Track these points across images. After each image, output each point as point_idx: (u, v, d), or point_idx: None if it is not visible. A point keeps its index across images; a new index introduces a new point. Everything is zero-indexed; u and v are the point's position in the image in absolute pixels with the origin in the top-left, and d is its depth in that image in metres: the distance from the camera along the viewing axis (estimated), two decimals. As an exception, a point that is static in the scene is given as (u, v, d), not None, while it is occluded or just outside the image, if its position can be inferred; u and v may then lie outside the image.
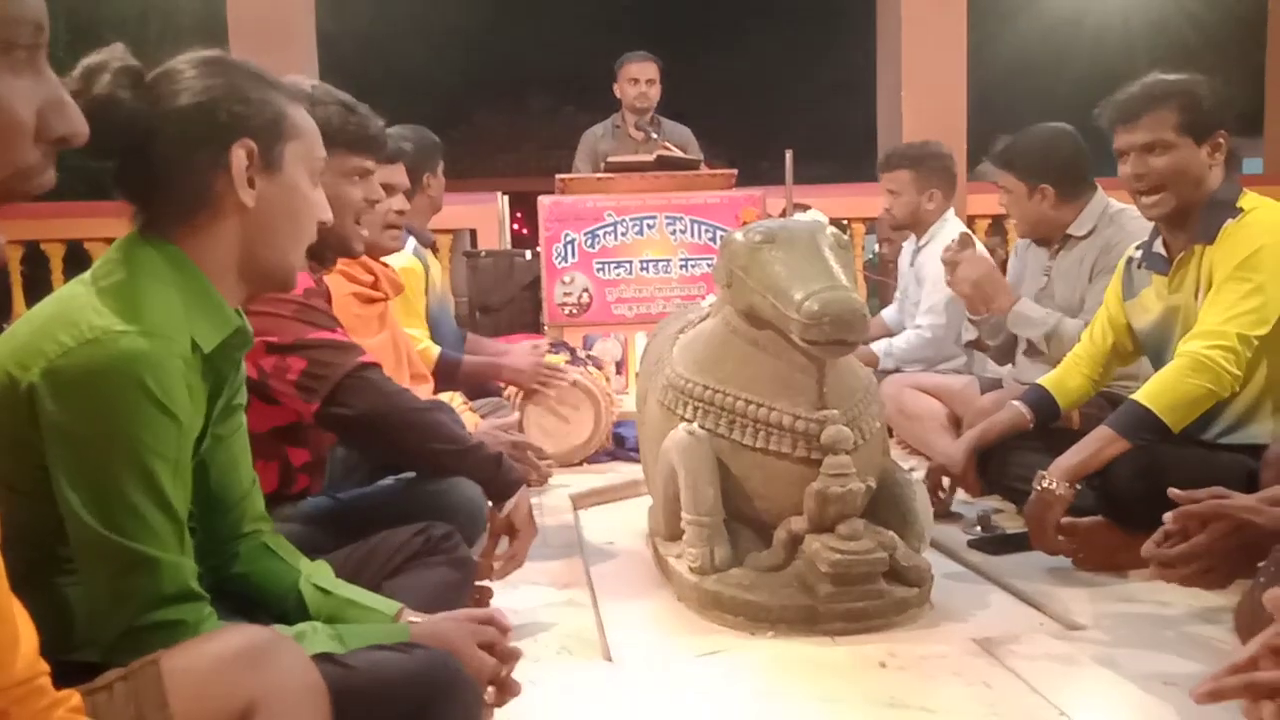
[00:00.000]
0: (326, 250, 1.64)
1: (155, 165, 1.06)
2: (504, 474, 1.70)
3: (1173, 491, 1.45)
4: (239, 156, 1.07)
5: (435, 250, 3.40)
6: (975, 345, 2.88)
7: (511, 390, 3.06)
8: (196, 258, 1.08)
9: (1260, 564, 1.53)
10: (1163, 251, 2.13)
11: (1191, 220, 2.05)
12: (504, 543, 1.74)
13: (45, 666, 0.77)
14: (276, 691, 0.88)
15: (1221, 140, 2.02)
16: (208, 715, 0.86)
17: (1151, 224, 2.18)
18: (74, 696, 0.80)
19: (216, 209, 1.08)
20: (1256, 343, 1.94)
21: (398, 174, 2.26)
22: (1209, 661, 1.57)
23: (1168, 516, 1.42)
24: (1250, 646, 0.95)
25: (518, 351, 3.03)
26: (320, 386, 1.53)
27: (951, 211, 3.40)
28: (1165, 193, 2.03)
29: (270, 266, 1.13)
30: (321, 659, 0.97)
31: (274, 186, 1.10)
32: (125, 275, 1.03)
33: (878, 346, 3.41)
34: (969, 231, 3.03)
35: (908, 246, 3.53)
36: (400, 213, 2.19)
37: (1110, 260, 2.48)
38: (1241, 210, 2.00)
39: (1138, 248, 2.24)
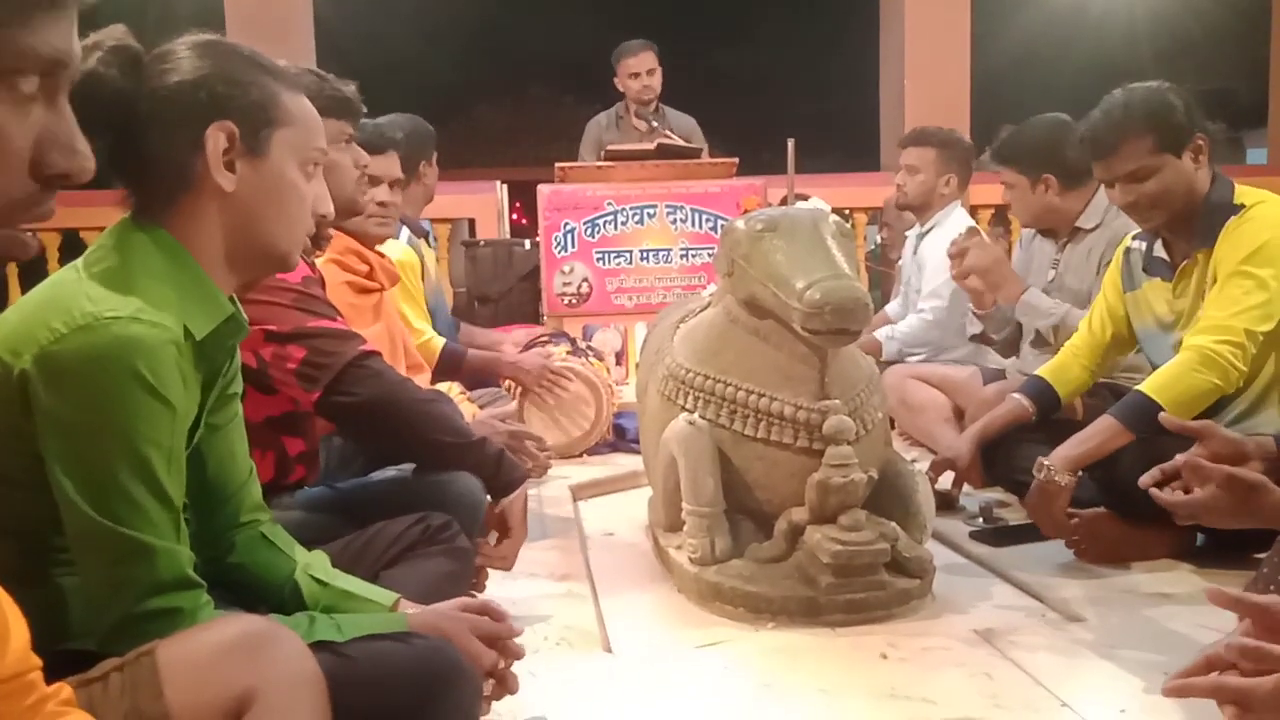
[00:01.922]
0: (324, 229, 1.63)
1: (141, 146, 1.05)
2: (505, 471, 1.68)
3: (1164, 417, 1.44)
4: (215, 138, 1.05)
5: (429, 240, 3.38)
6: (980, 339, 2.87)
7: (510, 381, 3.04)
8: (186, 242, 1.06)
9: (1261, 556, 1.52)
10: (1164, 255, 2.12)
11: (1186, 223, 2.04)
12: (493, 537, 1.73)
13: (37, 661, 0.76)
14: (274, 681, 0.87)
15: (1201, 143, 2.00)
16: (204, 705, 0.85)
17: None
18: (64, 689, 0.79)
19: (198, 191, 1.07)
20: (1262, 338, 1.93)
21: (389, 164, 2.25)
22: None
23: (1180, 459, 1.40)
24: (1226, 641, 0.95)
25: (526, 354, 3.02)
26: (322, 375, 1.51)
27: (959, 203, 3.39)
28: (1159, 209, 2.03)
29: (258, 251, 1.12)
30: (319, 648, 0.96)
31: (257, 171, 1.08)
32: (117, 261, 1.02)
33: (880, 333, 3.39)
34: (975, 225, 3.02)
35: (911, 236, 3.52)
36: (383, 204, 2.18)
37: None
38: (1242, 206, 1.98)
39: (1135, 238, 2.23)
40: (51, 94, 0.68)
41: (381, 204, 2.18)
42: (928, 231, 3.36)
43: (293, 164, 1.12)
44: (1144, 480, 1.45)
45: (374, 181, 2.16)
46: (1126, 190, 2.03)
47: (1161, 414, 1.47)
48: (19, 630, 0.75)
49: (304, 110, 1.14)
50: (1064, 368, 2.29)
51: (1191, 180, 2.01)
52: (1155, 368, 2.08)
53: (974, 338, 2.92)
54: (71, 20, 0.69)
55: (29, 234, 0.70)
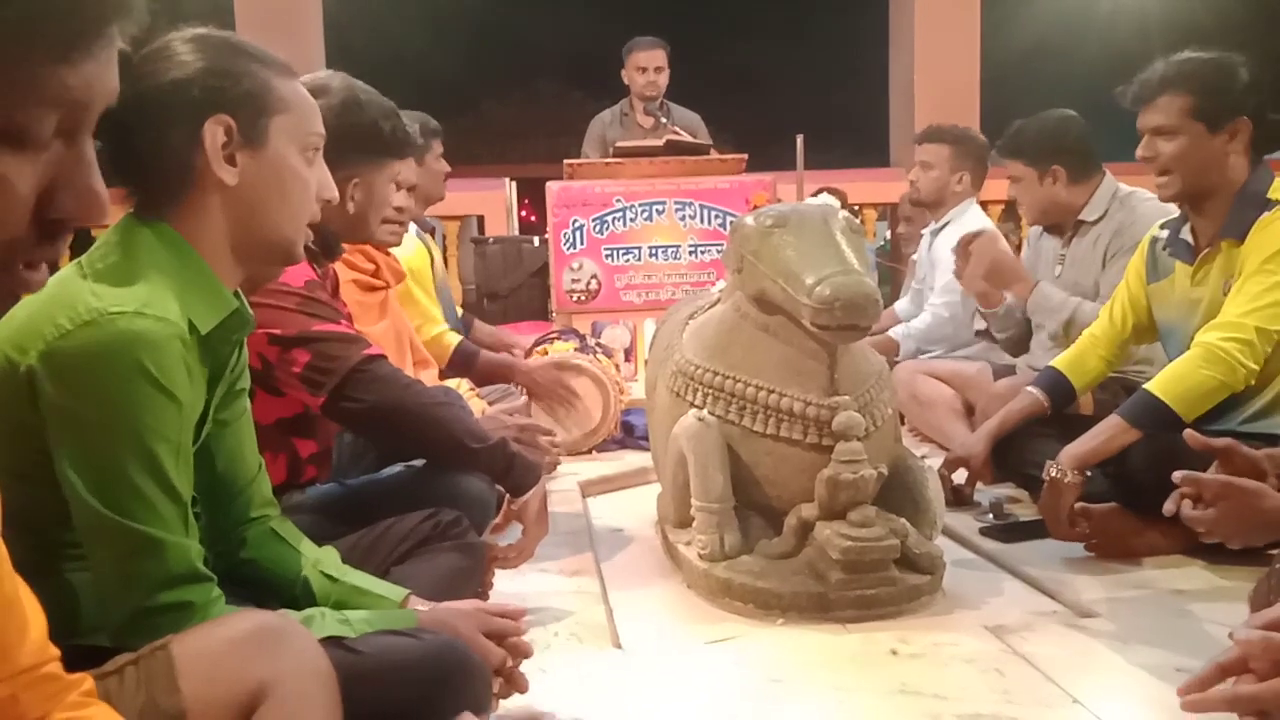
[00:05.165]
0: (337, 240, 1.63)
1: (140, 146, 1.05)
2: (516, 473, 1.68)
3: (1189, 433, 1.43)
4: (213, 133, 1.05)
5: (434, 235, 3.38)
6: (985, 335, 2.86)
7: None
8: (190, 237, 1.07)
9: (1275, 552, 1.51)
10: (1189, 239, 2.10)
11: (1214, 207, 2.02)
12: (515, 531, 1.73)
13: (55, 652, 0.77)
14: (286, 675, 0.87)
15: (1241, 128, 1.97)
16: (218, 699, 0.86)
17: (1165, 205, 2.16)
18: (86, 680, 0.80)
19: (200, 187, 1.07)
20: (1277, 337, 1.91)
21: (407, 169, 2.25)
22: (1221, 649, 1.56)
23: (1176, 476, 1.40)
24: (1237, 646, 0.95)
25: (536, 362, 3.01)
26: (327, 380, 1.50)
27: (974, 200, 3.38)
28: (1172, 175, 2.01)
29: (264, 243, 1.12)
30: (330, 644, 0.97)
31: (257, 162, 1.09)
32: (121, 257, 1.02)
33: (895, 332, 3.39)
34: (981, 229, 3.00)
35: (926, 233, 3.51)
36: (399, 209, 2.18)
37: (1123, 243, 2.46)
38: (1275, 202, 1.95)
39: (1162, 227, 2.21)
40: (72, 132, 0.60)
41: (398, 209, 2.18)
42: (941, 228, 3.35)
43: (293, 150, 1.12)
44: (1167, 508, 1.44)
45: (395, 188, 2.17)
46: (1148, 145, 2.03)
47: (1186, 431, 1.45)
48: (37, 620, 0.76)
49: (299, 96, 1.14)
50: (1080, 358, 2.28)
51: (1215, 160, 1.98)
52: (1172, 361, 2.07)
53: (980, 333, 2.91)
54: (113, 55, 0.60)
55: (37, 274, 0.62)
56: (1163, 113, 2.00)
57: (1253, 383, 1.94)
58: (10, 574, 0.74)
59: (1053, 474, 1.96)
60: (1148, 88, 2.03)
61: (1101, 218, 2.59)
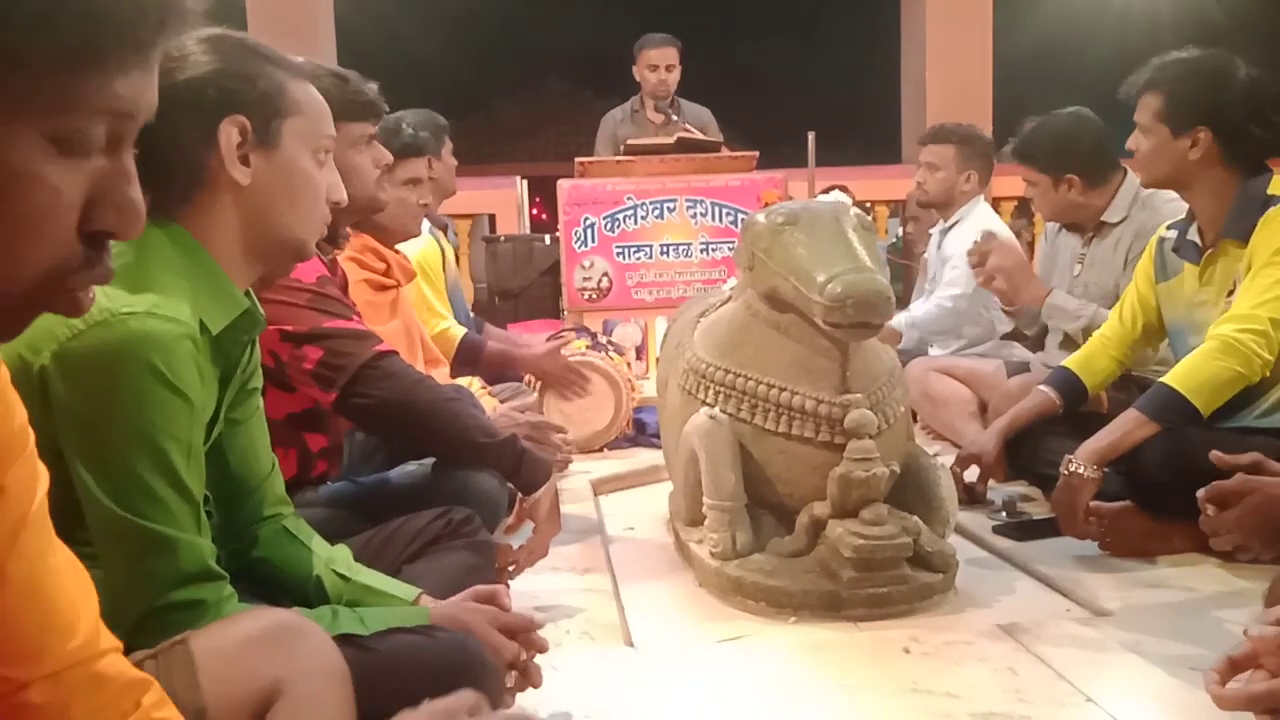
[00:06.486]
0: (341, 226, 1.64)
1: (154, 146, 1.06)
2: (526, 470, 1.68)
3: (1215, 454, 1.42)
4: (228, 133, 1.06)
5: (447, 232, 3.40)
6: (1013, 337, 2.85)
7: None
8: (201, 238, 1.07)
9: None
10: (1196, 240, 2.10)
11: (1209, 208, 2.03)
12: (528, 531, 1.73)
13: (107, 646, 0.75)
14: (301, 673, 0.88)
15: (1200, 138, 1.98)
16: (234, 695, 0.86)
17: (1185, 206, 2.15)
18: (150, 687, 0.77)
19: (213, 187, 1.08)
20: None
21: (420, 167, 2.31)
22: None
23: (1200, 493, 1.39)
24: (1250, 641, 0.94)
25: (542, 348, 3.01)
26: (338, 376, 1.51)
27: (982, 197, 3.36)
28: (1143, 169, 2.11)
29: (275, 243, 1.12)
30: (343, 641, 0.97)
31: (270, 163, 1.09)
32: (133, 258, 1.03)
33: (898, 321, 3.36)
34: (991, 229, 2.99)
35: (935, 232, 3.50)
36: (424, 205, 2.30)
37: (1144, 244, 2.44)
38: (1275, 198, 1.95)
39: (1170, 227, 2.20)
40: (117, 143, 0.60)
41: (424, 205, 2.28)
42: (951, 227, 3.33)
43: (305, 152, 1.12)
44: (1202, 523, 1.43)
45: (416, 183, 2.25)
46: (1134, 137, 2.10)
47: (1213, 453, 1.44)
48: (88, 611, 0.74)
49: (311, 98, 1.14)
50: (1092, 358, 2.27)
51: (1181, 164, 2.02)
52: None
53: (1006, 336, 2.90)
54: (157, 66, 0.61)
55: (87, 295, 0.62)
56: (1142, 110, 2.06)
57: (1267, 374, 1.93)
58: (46, 568, 0.72)
59: (1070, 469, 1.96)
60: (1138, 83, 2.09)
61: (1124, 219, 2.58)
